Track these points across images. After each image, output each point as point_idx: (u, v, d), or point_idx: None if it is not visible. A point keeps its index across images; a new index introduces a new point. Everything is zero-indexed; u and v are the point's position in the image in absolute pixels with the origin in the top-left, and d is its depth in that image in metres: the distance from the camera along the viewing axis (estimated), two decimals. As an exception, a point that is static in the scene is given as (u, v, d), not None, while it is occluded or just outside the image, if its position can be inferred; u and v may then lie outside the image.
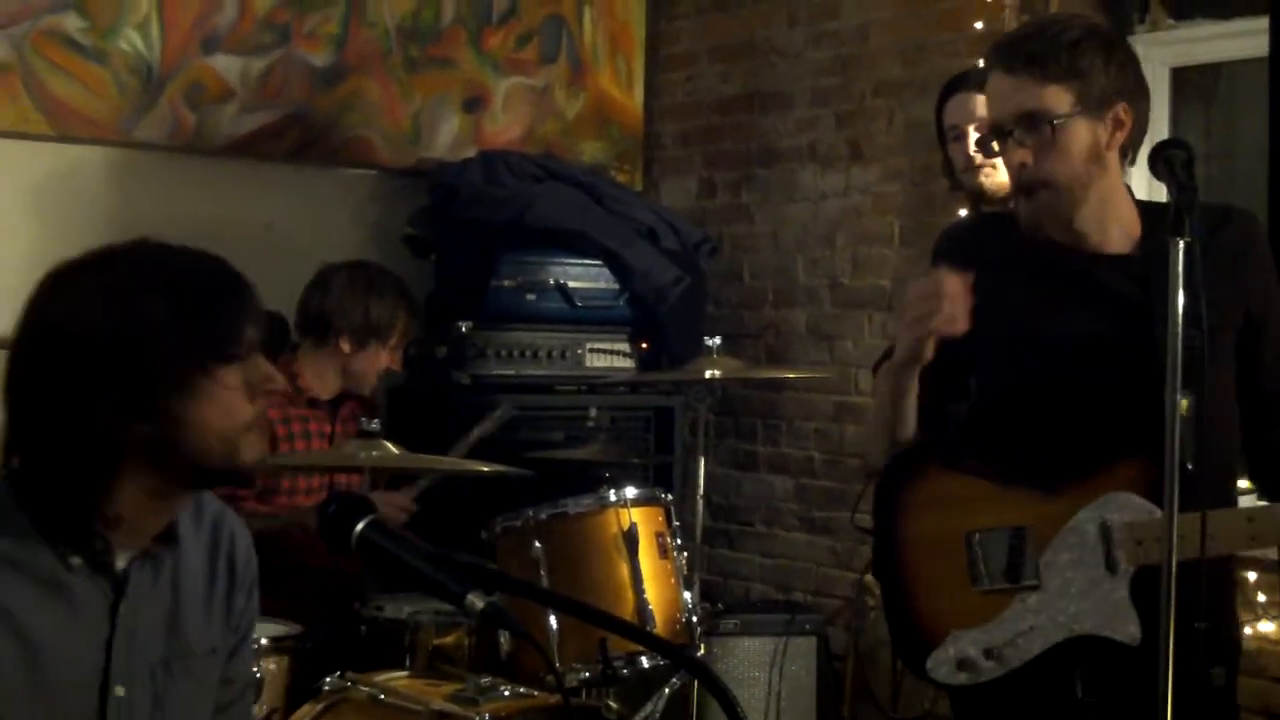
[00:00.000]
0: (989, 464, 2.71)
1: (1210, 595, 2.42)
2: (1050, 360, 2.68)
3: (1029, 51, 2.60)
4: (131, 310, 1.95)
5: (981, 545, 2.66)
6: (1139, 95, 2.65)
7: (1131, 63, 2.66)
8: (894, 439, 2.76)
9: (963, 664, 2.65)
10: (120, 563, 2.03)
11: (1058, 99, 2.57)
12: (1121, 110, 2.61)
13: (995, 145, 2.65)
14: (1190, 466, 2.39)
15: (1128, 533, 2.58)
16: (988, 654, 2.64)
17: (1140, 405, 2.50)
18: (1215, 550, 2.44)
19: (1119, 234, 2.69)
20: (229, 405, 1.99)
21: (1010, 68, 2.61)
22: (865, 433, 2.89)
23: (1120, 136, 2.62)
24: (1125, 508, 2.60)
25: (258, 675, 3.33)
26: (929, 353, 2.61)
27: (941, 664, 2.67)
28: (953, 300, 2.57)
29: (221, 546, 2.21)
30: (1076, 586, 2.61)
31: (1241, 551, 2.73)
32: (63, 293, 2.00)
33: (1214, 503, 2.48)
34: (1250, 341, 2.72)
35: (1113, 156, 2.64)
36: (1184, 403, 2.39)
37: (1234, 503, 2.74)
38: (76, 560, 1.99)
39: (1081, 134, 2.59)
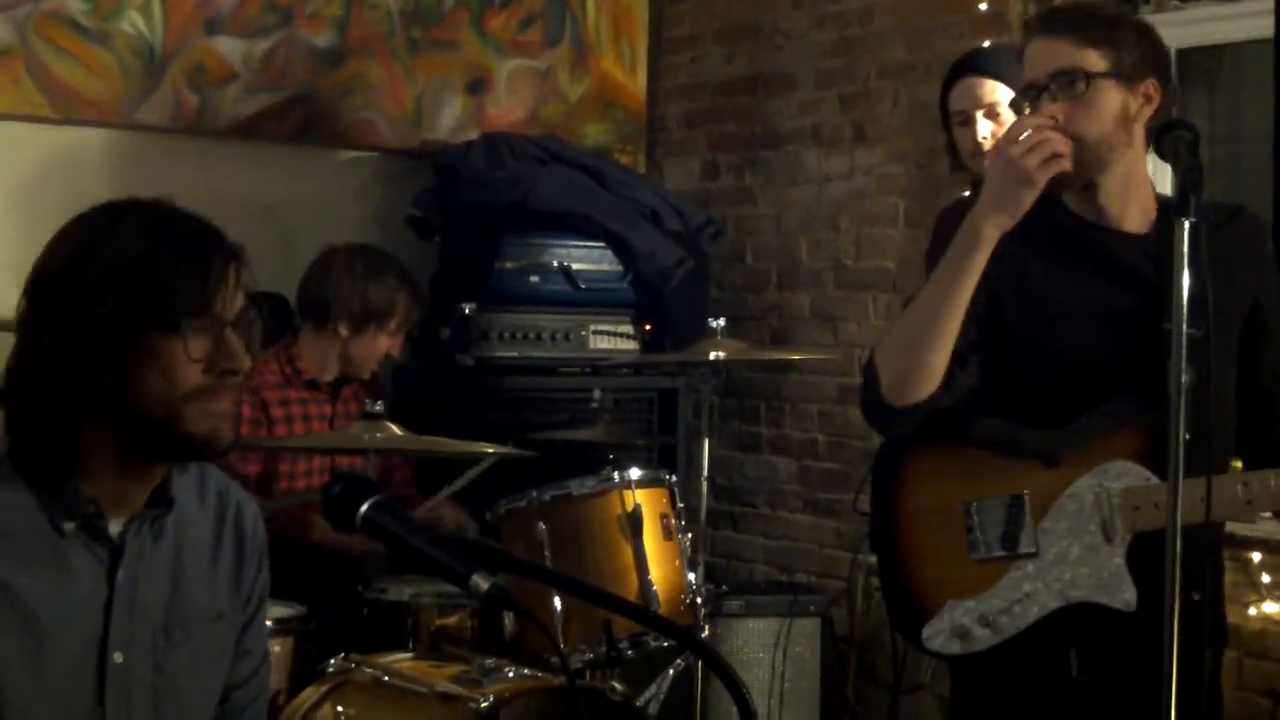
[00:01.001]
0: (989, 435, 2.73)
1: (1203, 571, 2.44)
2: (1058, 331, 2.70)
3: (1070, 18, 2.68)
4: (88, 262, 1.96)
5: (979, 514, 2.69)
6: (1167, 79, 2.70)
7: (1163, 49, 2.73)
8: (926, 352, 2.64)
9: (958, 633, 2.68)
10: (114, 528, 2.03)
11: (1093, 60, 2.62)
12: (1151, 86, 2.66)
13: (1026, 106, 2.67)
14: (1188, 436, 2.41)
15: (1124, 499, 2.61)
16: (983, 622, 2.67)
17: (1142, 378, 2.53)
18: (1213, 516, 2.45)
19: (1138, 213, 2.71)
20: (171, 371, 1.96)
21: (1051, 31, 2.66)
22: (886, 342, 2.77)
23: (1148, 112, 2.66)
24: (1123, 475, 2.63)
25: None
26: (1030, 200, 2.58)
27: (937, 633, 2.70)
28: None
29: (228, 517, 2.20)
30: (1073, 554, 2.64)
31: (1239, 518, 2.74)
32: (51, 244, 2.04)
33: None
34: (1253, 335, 2.75)
35: (1139, 131, 2.67)
36: (1184, 377, 2.41)
37: None
38: (70, 526, 1.99)
39: (1113, 97, 2.63)
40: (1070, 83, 2.61)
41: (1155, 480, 2.59)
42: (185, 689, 2.11)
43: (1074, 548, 2.63)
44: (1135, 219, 2.70)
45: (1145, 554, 2.56)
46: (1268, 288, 2.76)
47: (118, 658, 2.02)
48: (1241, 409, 2.76)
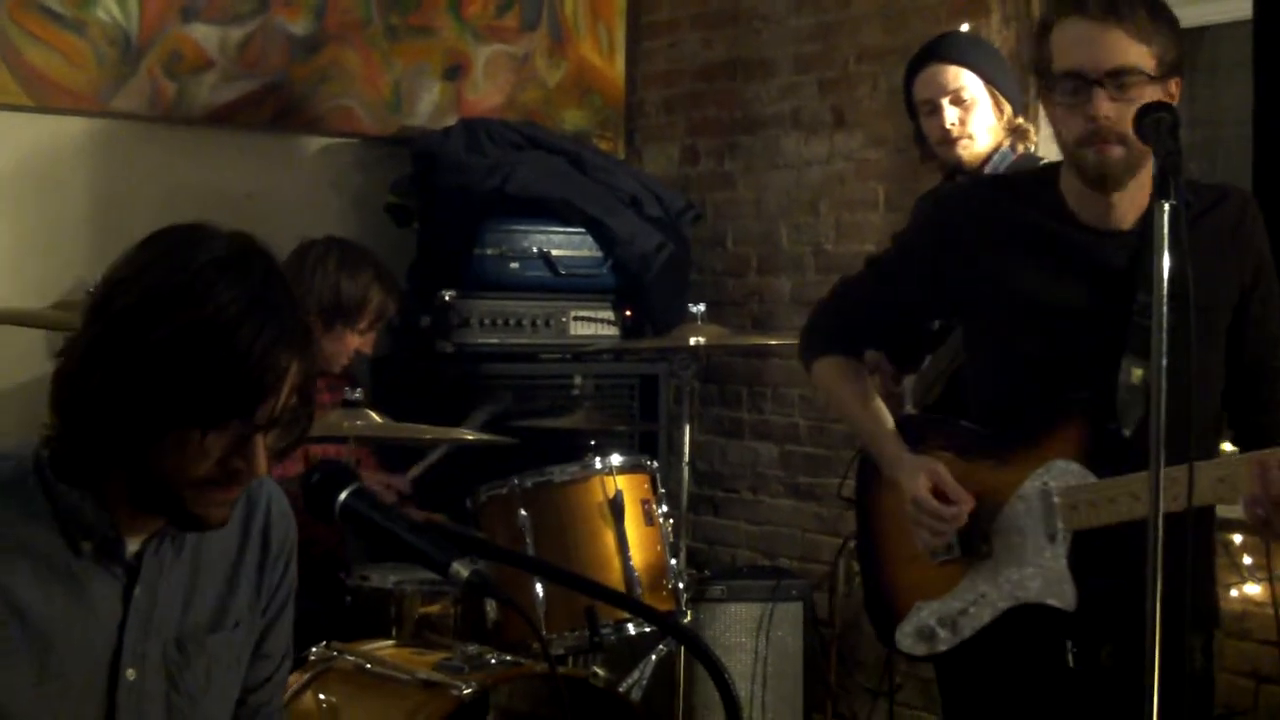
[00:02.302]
0: (950, 437, 2.75)
1: (1187, 561, 2.42)
2: (1035, 330, 2.67)
3: (1114, 4, 2.54)
4: (158, 316, 1.83)
5: None
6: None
7: (1182, 41, 2.64)
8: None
9: (922, 634, 2.72)
10: (132, 546, 1.97)
11: (1145, 58, 2.54)
12: (1175, 84, 2.61)
13: (1074, 93, 2.55)
14: (1127, 433, 2.48)
15: (1063, 499, 2.61)
16: (944, 623, 2.70)
17: (1091, 372, 2.52)
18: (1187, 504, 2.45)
19: (1135, 211, 2.65)
20: (184, 456, 1.86)
21: (1101, 18, 2.54)
22: (825, 378, 2.97)
23: None
24: (1064, 474, 2.62)
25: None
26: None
27: (905, 635, 2.75)
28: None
29: (256, 516, 2.12)
30: (1021, 554, 2.65)
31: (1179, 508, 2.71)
32: (136, 262, 1.90)
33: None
34: (1238, 320, 2.71)
35: None
36: (1138, 371, 2.42)
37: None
38: (86, 546, 1.93)
39: (1153, 97, 2.53)
40: (1123, 84, 2.52)
41: (1093, 479, 2.58)
42: (200, 700, 2.06)
43: (1023, 549, 2.65)
44: (1131, 216, 2.65)
45: (1086, 549, 2.58)
46: (1251, 265, 2.70)
47: (130, 674, 1.97)
48: (1232, 394, 2.73)
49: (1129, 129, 2.49)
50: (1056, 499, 2.61)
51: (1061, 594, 2.60)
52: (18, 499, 1.91)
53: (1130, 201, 2.64)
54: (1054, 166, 2.77)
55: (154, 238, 1.93)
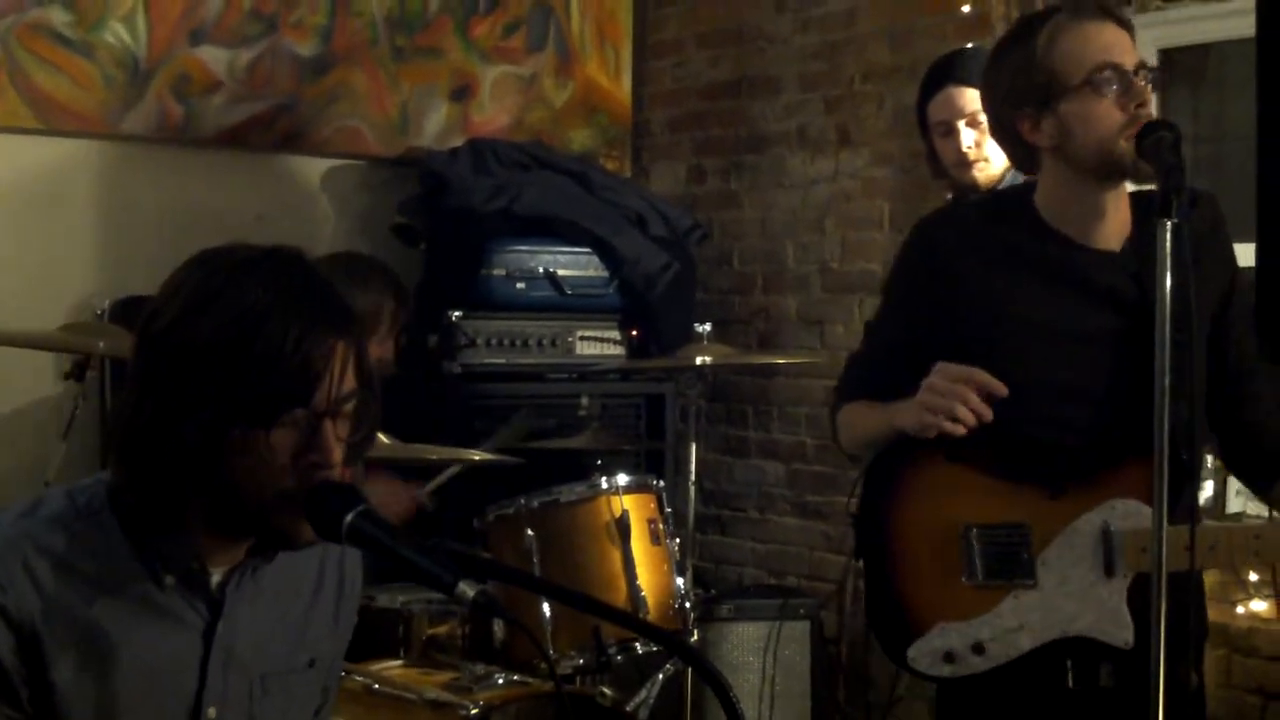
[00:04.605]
0: (991, 457, 2.66)
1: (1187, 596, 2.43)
2: (1061, 356, 2.63)
3: (1110, 10, 2.62)
4: (195, 325, 1.81)
5: (979, 539, 2.63)
6: None
7: None
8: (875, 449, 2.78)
9: (949, 657, 2.63)
10: (216, 577, 1.93)
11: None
12: None
13: (1118, 84, 2.56)
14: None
15: (1132, 541, 2.56)
16: (975, 648, 2.61)
17: (1147, 407, 2.43)
18: (1216, 564, 2.43)
19: (1119, 228, 2.66)
20: (259, 464, 1.81)
21: (1106, 19, 2.60)
22: (843, 420, 2.90)
23: None
24: (1131, 515, 2.58)
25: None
26: (931, 435, 2.60)
27: (925, 654, 2.65)
28: (969, 402, 2.55)
29: (332, 551, 2.06)
30: (1072, 588, 2.60)
31: (1241, 567, 2.70)
32: (170, 285, 1.87)
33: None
34: (1223, 324, 2.70)
35: None
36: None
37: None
38: (169, 580, 1.89)
39: None
40: (1146, 78, 2.57)
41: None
42: None
43: (1073, 582, 2.60)
44: (1116, 234, 2.65)
45: (1143, 592, 2.54)
46: (1226, 271, 2.70)
47: (211, 713, 1.94)
48: (1214, 394, 2.71)
49: None
50: (1124, 539, 2.56)
51: (1117, 634, 2.57)
52: (96, 532, 1.87)
53: (1115, 218, 2.64)
54: (1025, 187, 2.76)
55: (186, 263, 1.90)
